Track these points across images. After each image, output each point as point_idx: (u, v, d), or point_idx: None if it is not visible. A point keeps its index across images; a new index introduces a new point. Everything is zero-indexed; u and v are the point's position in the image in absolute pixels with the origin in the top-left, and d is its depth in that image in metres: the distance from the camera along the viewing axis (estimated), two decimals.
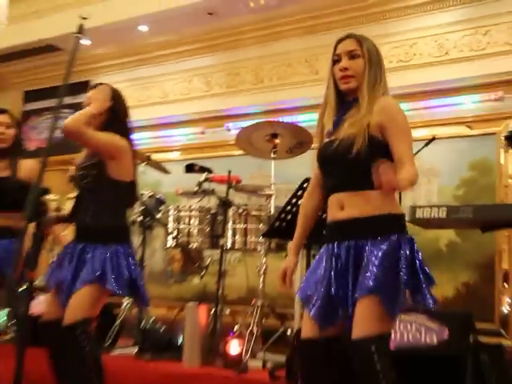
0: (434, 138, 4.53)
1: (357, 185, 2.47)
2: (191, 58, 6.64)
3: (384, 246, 2.36)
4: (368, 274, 2.33)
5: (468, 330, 3.34)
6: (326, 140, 2.58)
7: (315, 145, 2.76)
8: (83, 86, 7.00)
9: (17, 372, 1.96)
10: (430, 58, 5.33)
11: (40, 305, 3.96)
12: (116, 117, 3.38)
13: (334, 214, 2.53)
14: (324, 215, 2.68)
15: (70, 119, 3.11)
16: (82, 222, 3.30)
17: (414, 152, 3.79)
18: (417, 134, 4.76)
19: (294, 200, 3.58)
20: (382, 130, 2.42)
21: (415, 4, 5.41)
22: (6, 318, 4.88)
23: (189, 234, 4.82)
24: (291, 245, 2.86)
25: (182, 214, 4.86)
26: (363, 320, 2.33)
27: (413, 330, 3.41)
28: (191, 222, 4.82)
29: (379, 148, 2.42)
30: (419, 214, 3.92)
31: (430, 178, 5.18)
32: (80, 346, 3.07)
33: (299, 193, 3.57)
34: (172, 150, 6.83)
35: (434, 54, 5.32)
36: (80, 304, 3.11)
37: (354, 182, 2.48)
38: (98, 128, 3.30)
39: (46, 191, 2.12)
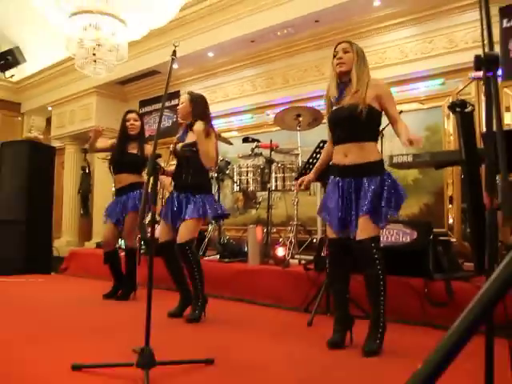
0: (401, 111, 4.43)
1: (357, 138, 2.46)
2: (242, 70, 6.58)
3: (376, 181, 2.40)
4: (365, 201, 2.38)
5: (429, 232, 3.36)
6: (334, 108, 2.59)
7: (325, 116, 2.72)
8: (175, 94, 7.09)
9: (149, 274, 2.02)
10: (396, 60, 5.21)
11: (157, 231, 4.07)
12: (199, 112, 3.30)
13: (339, 159, 2.55)
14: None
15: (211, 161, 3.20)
16: (184, 180, 3.26)
17: (385, 125, 3.80)
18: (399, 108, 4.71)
19: (313, 155, 3.58)
20: (377, 100, 2.45)
21: (384, 26, 5.26)
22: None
23: (247, 182, 4.86)
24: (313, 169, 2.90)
25: (242, 169, 4.88)
26: (363, 229, 2.40)
27: (394, 234, 3.42)
28: (248, 174, 4.85)
29: (372, 113, 2.44)
30: (395, 160, 3.93)
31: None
32: (188, 256, 3.14)
33: (316, 150, 3.57)
34: (232, 130, 6.82)
35: (398, 57, 5.20)
36: (188, 230, 3.16)
37: (356, 135, 2.47)
38: (190, 117, 3.31)
39: (159, 156, 2.15)
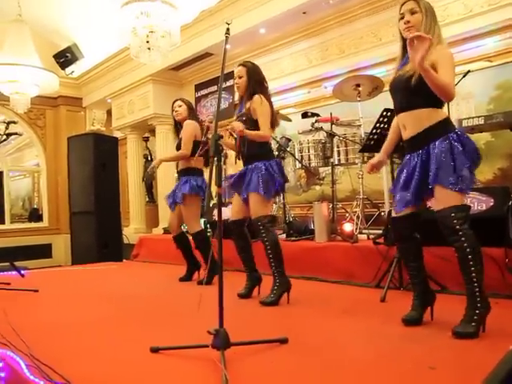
0: (468, 71, 4.20)
1: (411, 106, 2.31)
2: (295, 44, 6.44)
3: (442, 145, 2.23)
4: (434, 169, 2.24)
5: (506, 198, 3.18)
6: (395, 75, 2.44)
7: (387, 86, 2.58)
8: (230, 75, 7.08)
9: (219, 255, 2.05)
10: (459, 15, 4.85)
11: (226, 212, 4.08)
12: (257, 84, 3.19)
13: (402, 133, 2.42)
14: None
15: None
16: (242, 152, 3.01)
17: (456, 83, 3.55)
18: (457, 69, 4.42)
19: (377, 125, 3.45)
20: (434, 65, 2.20)
21: None
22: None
23: (309, 158, 4.80)
24: (382, 148, 2.71)
25: (303, 146, 4.81)
26: (439, 199, 2.26)
27: (468, 202, 3.25)
28: (309, 150, 4.78)
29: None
30: (464, 123, 3.73)
31: (468, 99, 4.83)
32: (261, 232, 3.07)
33: (380, 119, 3.44)
34: (290, 107, 6.73)
35: (462, 13, 4.85)
36: (256, 205, 3.09)
37: (410, 104, 2.32)
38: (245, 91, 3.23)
39: (221, 137, 2.15)
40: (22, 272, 4.79)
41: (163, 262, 5.59)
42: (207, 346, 1.95)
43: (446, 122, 2.32)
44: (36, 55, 6.65)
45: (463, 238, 2.18)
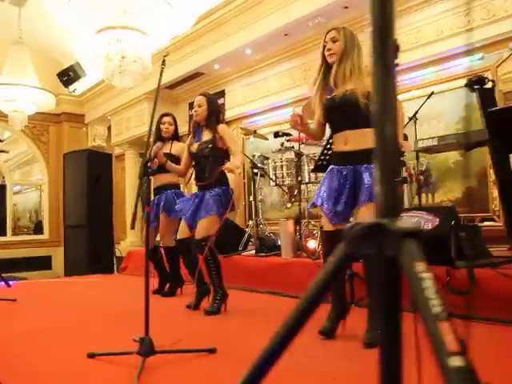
0: (432, 93, 4.32)
1: (357, 125, 2.45)
2: (280, 64, 6.62)
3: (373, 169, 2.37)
4: (365, 188, 2.37)
5: (451, 217, 3.23)
6: (328, 96, 2.56)
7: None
8: (221, 94, 7.30)
9: (146, 272, 2.18)
10: (431, 37, 4.98)
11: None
12: (217, 112, 3.48)
13: (340, 146, 2.54)
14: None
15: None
16: (203, 178, 3.37)
17: (421, 104, 3.67)
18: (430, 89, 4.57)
19: (327, 146, 3.53)
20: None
21: (416, 3, 5.07)
22: None
23: (282, 176, 4.90)
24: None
25: (277, 164, 4.89)
26: (363, 218, 2.37)
27: (416, 221, 3.34)
28: (283, 168, 4.87)
29: (369, 99, 2.37)
30: (420, 144, 3.82)
31: (438, 119, 4.91)
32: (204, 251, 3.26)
33: (330, 141, 3.52)
34: (277, 124, 6.83)
35: (433, 35, 4.97)
36: (203, 227, 3.30)
37: (355, 123, 2.45)
38: (205, 120, 3.45)
39: (150, 160, 2.33)
40: (10, 282, 5.00)
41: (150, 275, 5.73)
42: (132, 353, 2.11)
43: None
44: (35, 75, 6.95)
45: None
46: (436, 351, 0.65)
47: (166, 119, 4.29)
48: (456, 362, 0.63)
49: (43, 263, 8.86)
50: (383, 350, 0.78)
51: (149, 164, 2.34)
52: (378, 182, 0.82)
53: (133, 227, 2.31)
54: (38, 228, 10.29)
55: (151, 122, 2.44)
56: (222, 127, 3.40)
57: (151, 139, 4.33)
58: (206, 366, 2.15)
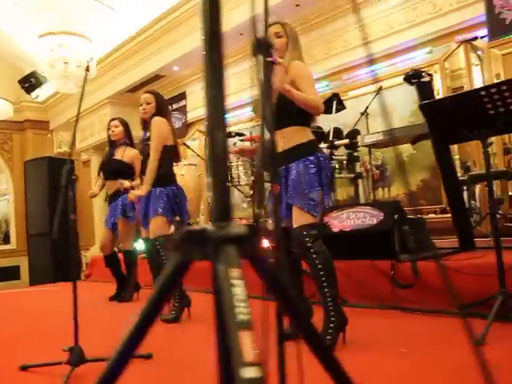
0: (381, 87, 4.33)
1: (284, 123, 2.38)
2: (237, 64, 6.54)
3: (299, 166, 2.32)
4: (289, 188, 2.34)
5: (395, 212, 3.26)
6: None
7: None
8: (182, 96, 7.25)
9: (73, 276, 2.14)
10: (381, 33, 5.01)
11: None
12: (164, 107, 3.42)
13: (280, 146, 2.49)
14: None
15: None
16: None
17: (373, 97, 3.65)
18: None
19: None
20: (293, 83, 2.29)
21: None
22: None
23: (238, 176, 4.86)
24: None
25: (233, 164, 4.84)
26: (294, 217, 2.34)
27: (361, 217, 3.35)
28: (239, 168, 4.82)
29: (285, 98, 2.28)
30: (366, 139, 3.83)
31: (392, 112, 4.94)
32: (159, 252, 3.21)
33: None
34: (240, 123, 6.82)
35: (383, 30, 5.01)
36: (153, 228, 3.24)
37: (282, 121, 2.38)
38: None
39: (72, 167, 2.29)
40: None
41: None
42: (60, 363, 2.07)
43: (310, 143, 2.40)
44: None
45: (314, 255, 2.25)
46: (232, 361, 0.63)
47: (111, 123, 4.29)
48: (249, 373, 0.61)
49: (11, 273, 8.68)
50: None
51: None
52: (209, 187, 0.79)
53: (55, 235, 2.25)
54: (6, 238, 10.10)
55: (75, 126, 2.39)
56: (155, 119, 3.26)
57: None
58: (142, 372, 2.11)
